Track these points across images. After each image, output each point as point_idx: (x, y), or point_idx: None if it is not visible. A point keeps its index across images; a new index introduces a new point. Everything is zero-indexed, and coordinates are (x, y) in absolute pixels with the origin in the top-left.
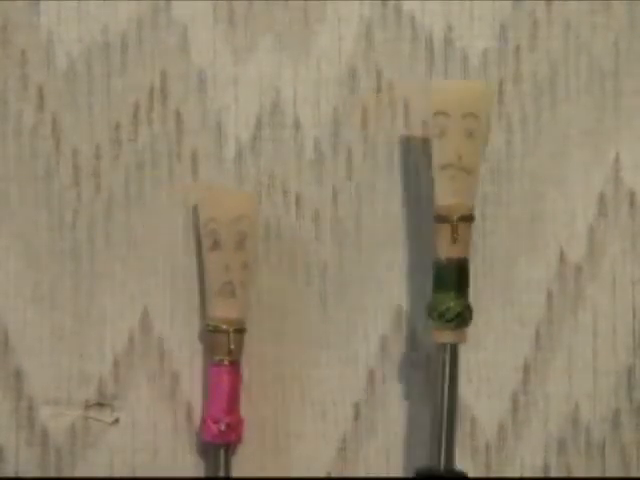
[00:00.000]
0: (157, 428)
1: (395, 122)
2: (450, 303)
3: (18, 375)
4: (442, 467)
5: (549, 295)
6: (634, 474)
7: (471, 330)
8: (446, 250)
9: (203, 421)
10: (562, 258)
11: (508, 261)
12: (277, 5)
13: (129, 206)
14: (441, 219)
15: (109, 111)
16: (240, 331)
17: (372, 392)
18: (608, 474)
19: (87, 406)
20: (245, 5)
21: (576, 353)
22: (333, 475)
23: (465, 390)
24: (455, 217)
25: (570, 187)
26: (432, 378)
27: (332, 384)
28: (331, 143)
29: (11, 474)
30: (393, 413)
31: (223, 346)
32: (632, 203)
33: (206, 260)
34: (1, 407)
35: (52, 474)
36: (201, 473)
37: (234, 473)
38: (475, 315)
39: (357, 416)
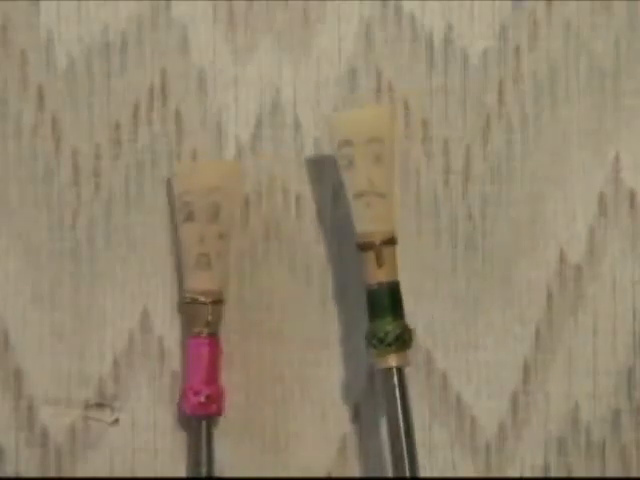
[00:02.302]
0: (157, 428)
1: (395, 122)
2: (388, 327)
3: (18, 375)
4: None
5: (549, 295)
6: (634, 474)
7: (471, 330)
8: (374, 276)
9: (183, 393)
10: (562, 258)
11: (508, 261)
12: (277, 5)
13: (129, 206)
14: (364, 246)
15: (109, 111)
16: (218, 302)
17: (372, 392)
18: (608, 474)
19: (87, 406)
20: (245, 5)
21: (576, 353)
22: (333, 475)
23: (465, 390)
24: (378, 242)
25: (570, 187)
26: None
27: (332, 384)
28: (331, 143)
29: (11, 474)
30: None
31: (201, 318)
32: (632, 203)
33: (181, 232)
34: (1, 407)
35: (52, 474)
36: (183, 448)
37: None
38: (475, 315)
39: (357, 416)
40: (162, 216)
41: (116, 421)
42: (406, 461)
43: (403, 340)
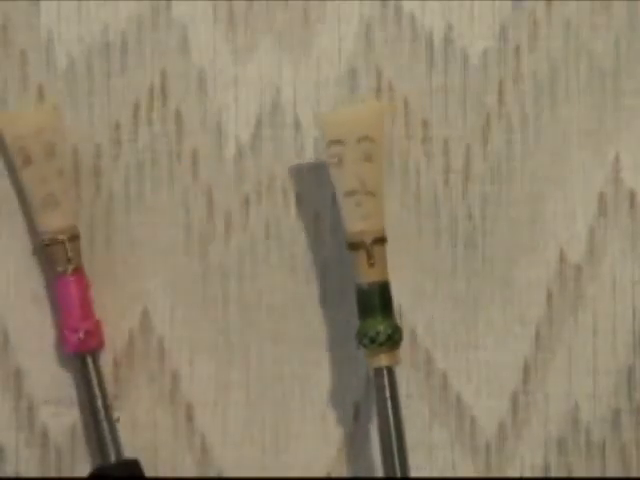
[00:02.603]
0: (157, 428)
1: (395, 122)
2: (379, 327)
3: (18, 375)
4: None
5: (549, 295)
6: (634, 474)
7: (471, 330)
8: (365, 275)
9: (61, 335)
10: (562, 258)
11: (508, 261)
12: (277, 5)
13: (129, 206)
14: (355, 246)
15: (109, 111)
16: (75, 238)
17: (372, 392)
18: (608, 474)
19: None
20: (245, 5)
21: (576, 353)
22: (333, 475)
23: (465, 390)
24: (369, 241)
25: (570, 187)
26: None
27: (332, 384)
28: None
29: (11, 474)
30: None
31: (62, 256)
32: (632, 203)
33: (22, 178)
34: (1, 407)
35: (52, 474)
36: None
37: None
38: (475, 315)
39: (357, 416)
40: (162, 216)
41: (117, 420)
42: (397, 460)
43: (394, 340)
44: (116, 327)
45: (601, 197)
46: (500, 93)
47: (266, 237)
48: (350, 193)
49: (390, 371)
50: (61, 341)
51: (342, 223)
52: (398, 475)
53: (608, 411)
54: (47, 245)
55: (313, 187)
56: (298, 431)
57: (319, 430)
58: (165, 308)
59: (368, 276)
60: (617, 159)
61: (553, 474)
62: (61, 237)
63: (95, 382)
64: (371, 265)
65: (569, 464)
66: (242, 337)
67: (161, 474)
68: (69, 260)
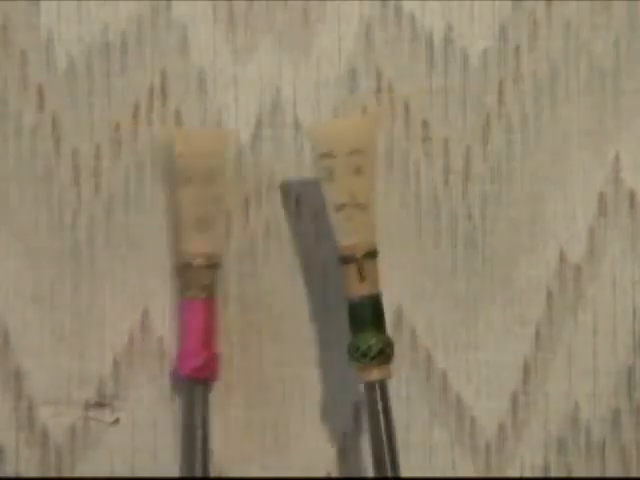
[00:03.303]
0: (157, 428)
1: (395, 122)
2: (371, 341)
3: (18, 375)
4: None
5: (549, 295)
6: (634, 474)
7: (471, 330)
8: (357, 289)
9: (179, 358)
10: (562, 258)
11: (508, 261)
12: (277, 5)
13: (129, 206)
14: (346, 259)
15: (109, 111)
16: (214, 266)
17: None
18: (608, 474)
19: (87, 406)
20: (245, 5)
21: (576, 353)
22: (333, 475)
23: (465, 390)
24: (359, 255)
25: (570, 187)
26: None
27: (332, 384)
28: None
29: (11, 474)
30: (393, 413)
31: (197, 281)
32: (632, 203)
33: (179, 196)
34: (1, 407)
35: (52, 474)
36: (178, 413)
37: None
38: (475, 315)
39: (357, 416)
40: (162, 216)
41: (116, 421)
42: (389, 473)
43: (386, 354)
44: (116, 327)
45: (601, 197)
46: (500, 93)
47: (266, 237)
48: (340, 207)
49: (382, 385)
50: (177, 364)
51: (334, 237)
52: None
53: (608, 411)
54: (185, 267)
55: (313, 187)
56: (298, 431)
57: (319, 430)
58: (165, 308)
59: (359, 290)
60: (617, 159)
61: (553, 474)
62: (200, 262)
63: (199, 413)
64: (362, 279)
65: (569, 464)
66: (242, 337)
67: (161, 474)
68: (204, 287)
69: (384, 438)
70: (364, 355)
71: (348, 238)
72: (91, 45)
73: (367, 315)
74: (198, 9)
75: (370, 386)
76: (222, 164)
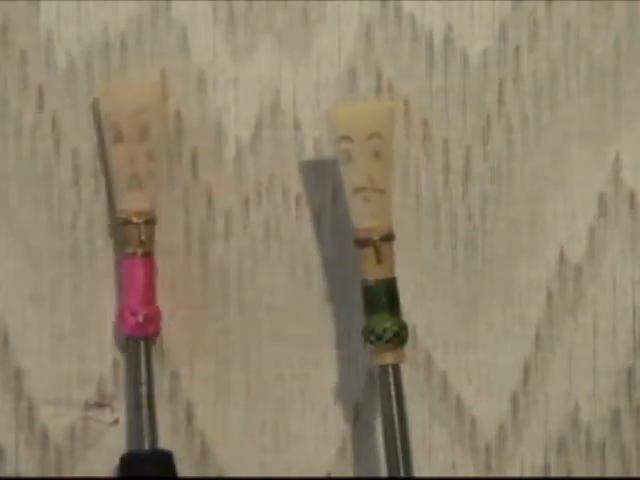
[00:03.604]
0: (157, 428)
1: (395, 122)
2: (386, 324)
3: (18, 375)
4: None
5: (549, 295)
6: (634, 474)
7: (471, 330)
8: (373, 272)
9: (120, 314)
10: (562, 258)
11: (508, 261)
12: (277, 5)
13: None
14: (363, 242)
15: None
16: (150, 222)
17: (372, 392)
18: (608, 474)
19: (87, 406)
20: (245, 5)
21: (576, 353)
22: (333, 475)
23: (465, 390)
24: (377, 238)
25: (570, 187)
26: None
27: (332, 384)
28: (331, 143)
29: (11, 474)
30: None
31: (134, 238)
32: (632, 203)
33: (110, 153)
34: (1, 407)
35: (52, 474)
36: (121, 370)
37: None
38: (475, 315)
39: (357, 416)
40: (162, 216)
41: (116, 421)
42: (400, 459)
43: (401, 337)
44: (116, 327)
45: (601, 197)
46: (500, 93)
47: (266, 237)
48: (359, 190)
49: (396, 369)
50: (118, 322)
51: (350, 219)
52: (402, 474)
53: (608, 411)
54: (121, 225)
55: (313, 187)
56: (298, 431)
57: (319, 430)
58: (165, 308)
59: (376, 273)
60: (617, 159)
61: (553, 474)
62: (137, 219)
63: (143, 369)
64: (379, 262)
65: (569, 464)
66: (242, 337)
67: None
68: (141, 243)
69: (397, 424)
70: (379, 338)
71: (366, 221)
72: (91, 45)
73: (383, 298)
74: (198, 9)
75: (383, 370)
76: (155, 119)
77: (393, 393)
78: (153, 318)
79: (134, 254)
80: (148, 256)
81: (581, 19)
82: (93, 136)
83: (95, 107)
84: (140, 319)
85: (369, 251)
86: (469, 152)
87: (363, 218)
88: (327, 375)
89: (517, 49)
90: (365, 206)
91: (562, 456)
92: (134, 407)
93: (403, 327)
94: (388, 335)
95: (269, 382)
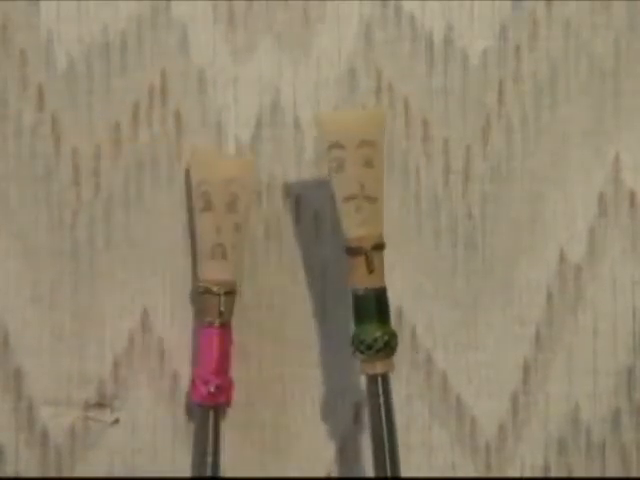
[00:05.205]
0: (157, 428)
1: (395, 122)
2: (376, 333)
3: (18, 375)
4: None
5: (549, 295)
6: (634, 474)
7: (471, 330)
8: (363, 281)
9: (192, 383)
10: (562, 258)
11: (508, 261)
12: (277, 5)
13: (129, 206)
14: (354, 251)
15: (109, 111)
16: (231, 293)
17: None
18: (608, 474)
19: (87, 406)
20: (245, 5)
21: (576, 353)
22: (333, 475)
23: (465, 390)
24: (368, 247)
25: (570, 187)
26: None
27: (332, 384)
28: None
29: (11, 474)
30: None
31: (213, 308)
32: (632, 203)
33: (198, 222)
34: (1, 407)
35: (52, 474)
36: (190, 437)
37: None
38: (475, 315)
39: (357, 416)
40: (162, 216)
41: (116, 421)
42: (388, 467)
43: (391, 347)
44: (116, 327)
45: (601, 197)
46: (500, 93)
47: (266, 237)
48: (350, 198)
49: (384, 378)
50: (190, 389)
51: (341, 228)
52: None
53: (608, 411)
54: (201, 293)
55: (313, 187)
56: (298, 431)
57: (319, 430)
58: (165, 308)
59: (366, 282)
60: (617, 159)
61: (553, 474)
62: (217, 290)
63: (211, 440)
64: (371, 271)
65: (569, 464)
66: (242, 337)
67: (161, 474)
68: (220, 314)
69: (385, 432)
70: (369, 347)
71: (357, 230)
72: (91, 45)
73: (373, 307)
74: (198, 9)
75: (372, 379)
76: (244, 191)
77: (382, 402)
78: (225, 389)
79: (211, 324)
80: (226, 327)
81: (581, 19)
82: (93, 136)
83: (187, 175)
84: (212, 389)
85: (360, 260)
86: (469, 152)
87: (354, 227)
88: (327, 375)
89: (517, 49)
90: (356, 215)
91: (562, 456)
92: (197, 475)
93: (393, 336)
94: (379, 345)
95: (269, 382)
